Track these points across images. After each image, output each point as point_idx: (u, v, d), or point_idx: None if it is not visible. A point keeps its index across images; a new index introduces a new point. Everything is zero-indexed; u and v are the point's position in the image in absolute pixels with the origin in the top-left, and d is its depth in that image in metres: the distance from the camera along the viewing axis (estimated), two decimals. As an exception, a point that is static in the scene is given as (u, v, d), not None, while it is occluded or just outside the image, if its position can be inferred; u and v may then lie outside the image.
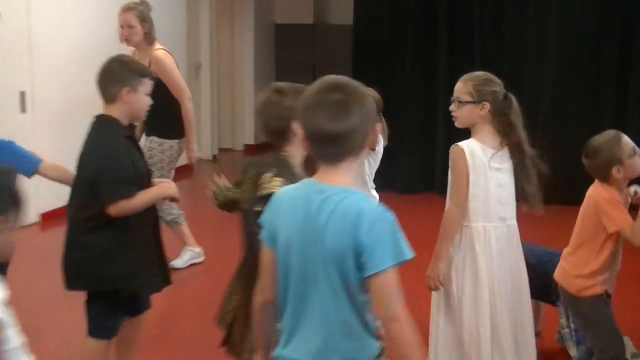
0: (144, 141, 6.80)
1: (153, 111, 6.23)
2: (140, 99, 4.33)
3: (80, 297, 4.34)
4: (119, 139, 4.24)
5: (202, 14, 12.42)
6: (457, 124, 4.39)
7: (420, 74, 10.35)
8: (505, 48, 9.83)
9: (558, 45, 9.64)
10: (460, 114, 4.32)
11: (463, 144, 4.24)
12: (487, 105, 4.21)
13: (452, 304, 4.29)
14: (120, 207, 4.09)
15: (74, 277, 4.27)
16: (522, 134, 4.25)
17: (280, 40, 13.85)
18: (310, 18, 13.60)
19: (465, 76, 4.37)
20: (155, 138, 6.91)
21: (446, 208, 4.31)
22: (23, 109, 8.35)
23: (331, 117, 2.62)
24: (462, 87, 4.31)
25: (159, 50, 6.87)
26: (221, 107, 13.09)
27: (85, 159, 4.22)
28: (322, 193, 2.69)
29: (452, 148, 4.30)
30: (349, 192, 2.68)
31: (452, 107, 4.37)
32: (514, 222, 4.34)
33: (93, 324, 4.32)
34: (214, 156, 12.74)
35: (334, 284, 2.67)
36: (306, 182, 2.85)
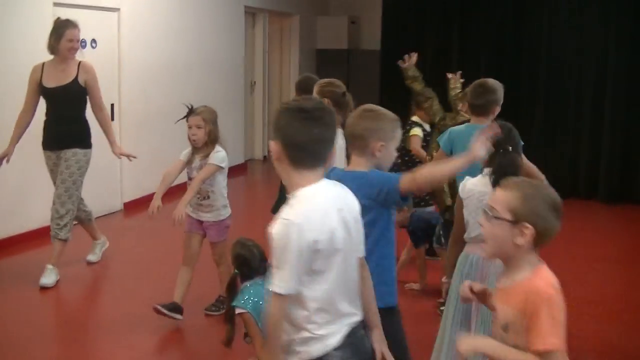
0: (70, 154, 6.03)
1: (77, 122, 6.17)
2: None
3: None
4: None
5: (257, 41, 12.53)
6: None
7: (436, 91, 10.41)
8: (502, 70, 9.88)
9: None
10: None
11: None
12: (326, 100, 4.50)
13: None
14: None
15: None
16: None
17: (320, 63, 13.92)
18: (345, 44, 13.63)
19: (317, 81, 4.96)
20: (79, 150, 6.08)
21: None
22: (112, 118, 8.50)
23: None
24: (314, 88, 4.86)
25: (86, 60, 6.34)
26: (271, 116, 13.21)
27: None
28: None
29: None
30: None
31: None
32: None
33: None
34: (264, 156, 12.87)
35: None
36: None
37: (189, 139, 5.15)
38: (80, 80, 6.08)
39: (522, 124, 5.76)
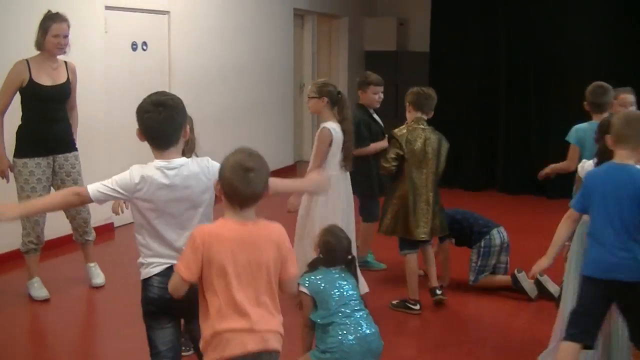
0: (71, 159, 5.67)
1: (68, 123, 5.73)
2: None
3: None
4: None
5: (306, 43, 12.50)
6: (310, 111, 5.55)
7: (484, 92, 10.28)
8: (551, 69, 9.71)
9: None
10: (311, 105, 5.39)
11: (329, 125, 5.21)
12: (325, 99, 5.25)
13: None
14: None
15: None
16: (349, 116, 5.36)
17: (368, 64, 13.82)
18: (393, 46, 13.54)
19: (313, 81, 5.56)
20: (76, 152, 5.75)
21: (310, 167, 5.27)
22: (163, 119, 8.54)
23: None
24: (310, 88, 5.38)
25: (69, 60, 5.79)
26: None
27: None
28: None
29: (322, 129, 5.23)
30: None
31: (306, 101, 5.57)
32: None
33: None
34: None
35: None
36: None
37: None
38: (70, 80, 5.69)
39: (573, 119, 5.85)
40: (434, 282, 5.68)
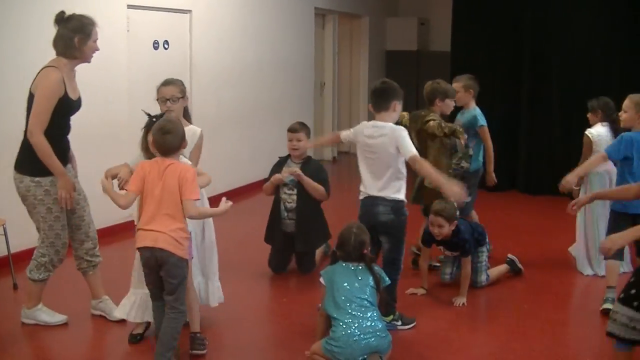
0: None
1: None
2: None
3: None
4: None
5: (327, 42, 12.48)
6: (172, 115, 4.73)
7: (506, 91, 10.21)
8: (575, 72, 9.61)
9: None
10: (177, 107, 4.87)
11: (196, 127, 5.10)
12: (187, 97, 5.03)
13: None
14: None
15: None
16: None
17: (389, 64, 13.82)
18: (414, 46, 13.51)
19: (172, 82, 4.97)
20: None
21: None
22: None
23: None
24: (174, 89, 4.89)
25: None
26: (340, 116, 13.17)
27: None
28: None
29: (202, 132, 5.10)
30: None
31: (168, 106, 4.85)
32: None
33: None
34: (334, 158, 12.82)
35: None
36: None
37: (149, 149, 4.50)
38: None
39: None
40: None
